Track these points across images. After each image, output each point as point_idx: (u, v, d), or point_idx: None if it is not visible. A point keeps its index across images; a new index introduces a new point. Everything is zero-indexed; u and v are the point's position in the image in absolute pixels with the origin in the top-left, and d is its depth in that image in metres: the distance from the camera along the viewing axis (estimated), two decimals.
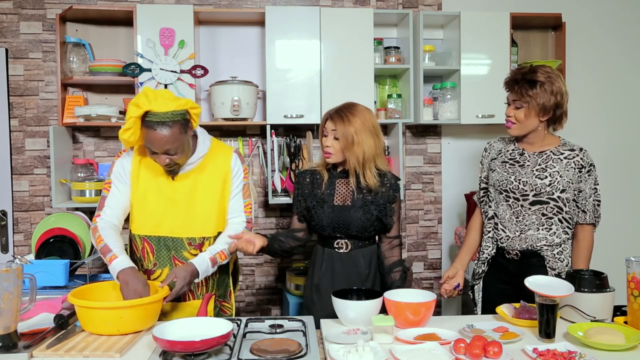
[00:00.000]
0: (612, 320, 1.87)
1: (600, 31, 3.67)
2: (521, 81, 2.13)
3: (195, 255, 2.02)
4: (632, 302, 1.77)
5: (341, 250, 2.20)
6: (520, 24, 3.48)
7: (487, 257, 2.29)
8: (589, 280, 1.88)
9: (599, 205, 2.19)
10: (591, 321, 1.82)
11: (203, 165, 2.05)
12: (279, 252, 2.21)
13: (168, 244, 2.05)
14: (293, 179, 3.29)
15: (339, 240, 2.20)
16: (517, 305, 1.94)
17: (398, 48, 3.35)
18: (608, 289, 1.89)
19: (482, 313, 2.31)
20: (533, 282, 1.85)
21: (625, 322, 1.81)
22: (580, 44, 3.63)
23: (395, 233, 2.24)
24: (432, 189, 3.62)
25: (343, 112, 2.16)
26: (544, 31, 3.61)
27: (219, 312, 2.17)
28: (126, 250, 2.00)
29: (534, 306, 1.76)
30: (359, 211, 2.15)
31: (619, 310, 1.95)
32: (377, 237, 2.27)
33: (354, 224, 2.15)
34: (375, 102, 3.36)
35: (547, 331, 1.70)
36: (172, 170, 2.00)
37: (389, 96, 3.36)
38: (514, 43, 3.40)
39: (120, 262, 1.86)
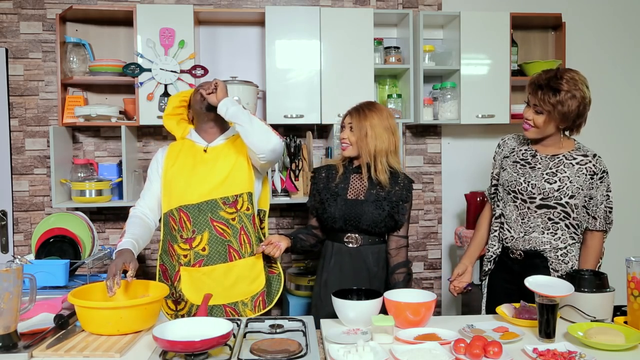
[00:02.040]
0: (612, 320, 1.87)
1: (600, 31, 3.67)
2: (545, 87, 2.07)
3: (232, 213, 2.16)
4: (632, 302, 1.77)
5: (350, 245, 2.24)
6: (520, 24, 3.48)
7: (492, 255, 2.29)
8: (589, 280, 1.88)
9: (610, 212, 2.15)
10: (591, 321, 1.82)
11: (231, 141, 2.24)
12: (301, 251, 2.34)
13: (203, 208, 2.15)
14: (293, 179, 3.29)
15: (349, 234, 2.24)
16: (517, 305, 1.94)
17: (398, 48, 3.35)
18: (608, 289, 1.89)
19: (487, 310, 2.32)
20: (533, 282, 1.85)
21: (625, 322, 1.81)
22: (580, 44, 3.63)
23: (404, 233, 2.28)
24: (432, 189, 3.61)
25: (362, 108, 2.28)
26: (544, 31, 3.61)
27: (267, 274, 2.26)
28: (162, 229, 2.24)
29: (534, 306, 1.76)
30: (371, 206, 2.21)
31: (619, 310, 1.95)
32: (386, 236, 2.31)
33: (365, 218, 2.20)
34: None
35: (547, 331, 1.70)
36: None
37: (389, 96, 3.36)
38: (514, 43, 3.40)
39: (122, 243, 2.03)
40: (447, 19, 3.39)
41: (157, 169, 2.25)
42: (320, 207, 2.29)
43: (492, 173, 2.37)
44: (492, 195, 2.36)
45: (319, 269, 2.33)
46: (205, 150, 2.21)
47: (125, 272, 1.91)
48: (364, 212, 2.20)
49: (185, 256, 2.16)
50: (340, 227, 2.24)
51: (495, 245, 2.28)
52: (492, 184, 2.36)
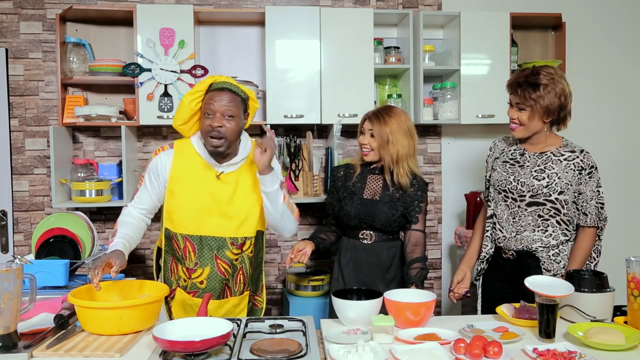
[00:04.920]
0: (612, 320, 1.87)
1: (600, 31, 3.67)
2: (524, 84, 2.11)
3: (237, 254, 2.12)
4: (632, 302, 1.77)
5: (365, 241, 2.33)
6: (520, 24, 3.48)
7: (485, 256, 2.31)
8: (589, 280, 1.88)
9: (602, 208, 2.16)
10: (591, 321, 1.82)
11: (245, 167, 2.11)
12: (324, 250, 2.45)
13: (211, 243, 2.09)
14: (293, 179, 3.29)
15: (364, 231, 2.33)
16: (517, 305, 1.94)
17: (398, 48, 3.35)
18: (608, 289, 1.89)
19: (482, 311, 2.32)
20: (533, 282, 1.85)
21: (625, 322, 1.81)
22: (580, 44, 3.63)
23: (421, 227, 2.35)
24: (432, 189, 3.61)
25: (380, 114, 2.33)
26: (544, 31, 3.61)
27: (252, 307, 2.25)
28: (162, 250, 2.16)
29: (534, 306, 1.76)
30: (385, 206, 2.30)
31: (619, 310, 1.95)
32: (402, 234, 2.40)
33: (379, 217, 2.29)
34: (375, 102, 3.36)
35: (547, 331, 1.70)
36: (218, 148, 1.99)
37: (389, 96, 3.36)
38: (514, 43, 3.40)
39: (113, 245, 1.96)
40: (447, 19, 3.39)
41: (162, 174, 2.08)
42: (337, 204, 2.39)
43: (486, 176, 2.39)
44: (487, 198, 2.38)
45: (335, 263, 2.43)
46: (218, 177, 2.06)
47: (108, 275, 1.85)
48: (378, 212, 2.29)
49: (185, 281, 2.14)
50: (355, 224, 2.33)
51: (488, 246, 2.30)
52: (486, 186, 2.38)
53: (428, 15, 3.30)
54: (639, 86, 3.73)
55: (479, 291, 2.36)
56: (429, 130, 3.60)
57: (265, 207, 2.07)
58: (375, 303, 1.83)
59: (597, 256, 2.22)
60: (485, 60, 3.28)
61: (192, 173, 2.07)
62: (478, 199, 3.30)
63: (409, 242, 2.34)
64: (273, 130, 2.04)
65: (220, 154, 2.03)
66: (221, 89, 1.99)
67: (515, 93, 2.14)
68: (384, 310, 1.85)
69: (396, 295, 1.90)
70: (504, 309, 1.95)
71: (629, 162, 3.73)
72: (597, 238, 2.20)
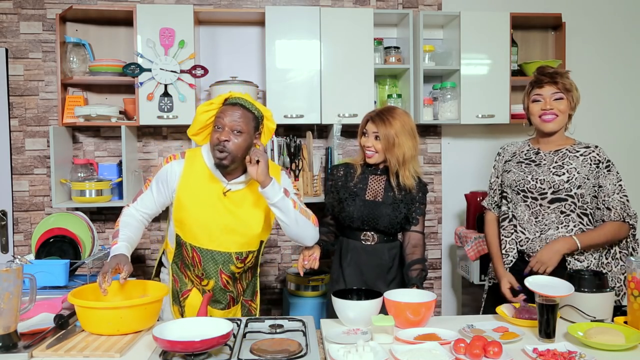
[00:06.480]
0: (612, 320, 1.87)
1: (600, 31, 3.67)
2: (558, 74, 2.14)
3: (240, 268, 2.13)
4: (632, 302, 1.77)
5: (367, 243, 2.30)
6: (520, 24, 3.48)
7: (512, 260, 2.21)
8: (589, 280, 1.88)
9: (628, 201, 2.13)
10: (591, 321, 1.82)
11: (252, 184, 2.06)
12: (326, 252, 2.38)
13: (216, 257, 2.09)
14: (293, 179, 3.28)
15: (366, 232, 2.30)
16: (517, 305, 1.94)
17: (398, 48, 3.35)
18: (608, 289, 1.89)
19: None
20: (533, 282, 1.85)
21: (625, 322, 1.81)
22: (580, 44, 3.63)
23: (420, 229, 2.33)
24: (432, 189, 3.61)
25: (384, 115, 2.26)
26: (544, 31, 3.61)
27: (247, 312, 2.27)
28: (170, 252, 2.16)
29: (534, 306, 1.76)
30: (388, 208, 2.26)
31: (619, 310, 1.95)
32: (402, 233, 2.38)
33: (382, 220, 2.26)
34: (375, 102, 3.36)
35: (547, 331, 1.70)
36: (222, 161, 1.98)
37: (389, 96, 3.36)
38: (514, 43, 3.40)
39: (117, 247, 1.96)
40: (447, 19, 3.39)
41: (171, 184, 2.07)
42: (338, 205, 2.34)
43: (495, 181, 2.34)
44: (500, 203, 2.32)
45: (334, 265, 2.39)
46: (224, 194, 2.05)
47: (119, 274, 1.88)
48: (381, 214, 2.26)
49: (197, 285, 2.16)
50: (357, 226, 2.29)
51: (514, 249, 2.21)
52: (498, 191, 2.32)
53: (428, 15, 3.30)
54: (639, 86, 3.73)
55: (484, 296, 2.34)
56: (429, 130, 3.60)
57: (279, 220, 2.03)
58: (375, 303, 1.83)
59: (615, 243, 2.17)
60: (485, 60, 3.28)
61: (200, 186, 2.06)
62: (478, 199, 3.29)
63: (409, 244, 2.32)
64: (262, 144, 2.01)
65: (225, 167, 2.00)
66: (234, 104, 1.99)
67: (553, 83, 2.13)
68: (384, 310, 1.85)
69: (396, 295, 1.90)
70: (504, 309, 1.95)
71: (629, 163, 3.72)
72: (629, 237, 2.17)
